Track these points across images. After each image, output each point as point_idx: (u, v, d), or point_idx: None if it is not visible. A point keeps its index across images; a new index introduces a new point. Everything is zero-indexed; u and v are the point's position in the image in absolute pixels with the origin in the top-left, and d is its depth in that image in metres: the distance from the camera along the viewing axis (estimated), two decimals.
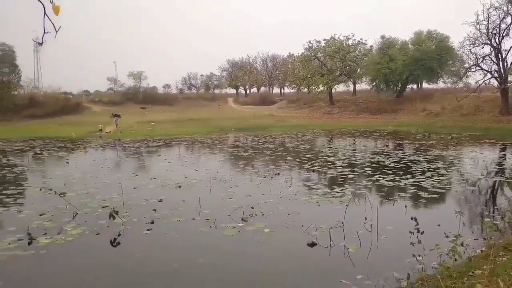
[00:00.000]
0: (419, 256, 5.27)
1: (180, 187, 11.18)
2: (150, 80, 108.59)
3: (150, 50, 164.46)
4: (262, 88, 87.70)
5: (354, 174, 12.49)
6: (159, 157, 18.09)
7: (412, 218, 7.06)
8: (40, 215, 8.48)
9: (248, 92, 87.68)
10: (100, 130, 31.29)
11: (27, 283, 5.64)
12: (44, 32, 3.47)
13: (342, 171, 12.98)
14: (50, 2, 3.25)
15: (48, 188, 11.15)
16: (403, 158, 15.54)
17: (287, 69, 75.12)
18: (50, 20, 3.40)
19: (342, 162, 14.82)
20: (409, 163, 14.22)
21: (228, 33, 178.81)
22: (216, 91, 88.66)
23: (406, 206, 8.54)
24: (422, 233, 5.26)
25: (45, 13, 3.32)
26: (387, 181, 11.27)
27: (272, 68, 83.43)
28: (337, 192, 10.06)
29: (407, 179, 11.46)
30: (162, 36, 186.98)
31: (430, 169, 12.90)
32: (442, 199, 9.71)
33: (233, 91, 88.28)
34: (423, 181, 11.13)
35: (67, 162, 16.98)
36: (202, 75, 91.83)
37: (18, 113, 43.51)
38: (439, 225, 5.97)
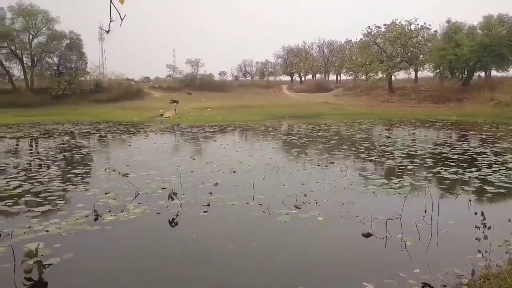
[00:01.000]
0: (486, 252, 4.97)
1: (234, 172, 11.37)
2: (206, 67, 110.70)
3: (207, 37, 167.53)
4: (318, 75, 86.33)
5: (413, 165, 11.99)
6: (215, 142, 18.48)
7: (476, 213, 6.69)
8: (105, 193, 9.02)
9: (303, 79, 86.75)
10: (161, 115, 32.55)
11: (94, 256, 6.04)
12: (111, 20, 3.62)
13: (401, 162, 12.51)
14: None
15: (112, 169, 11.81)
16: (468, 150, 14.67)
17: (344, 56, 73.23)
18: (116, 9, 3.54)
19: (401, 153, 14.28)
20: (475, 155, 13.41)
21: (283, 20, 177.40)
22: (271, 78, 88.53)
23: (470, 201, 8.09)
24: (489, 228, 4.94)
25: (111, 1, 3.46)
26: (450, 173, 10.71)
27: (329, 55, 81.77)
28: (395, 183, 9.72)
29: (471, 172, 10.82)
30: (219, 24, 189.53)
31: (498, 163, 12.07)
32: (510, 195, 9.06)
33: (288, 78, 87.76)
34: (490, 174, 10.45)
35: (129, 145, 17.85)
36: (257, 62, 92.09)
37: (85, 98, 46.30)
38: (509, 220, 5.54)
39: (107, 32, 3.77)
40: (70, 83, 47.19)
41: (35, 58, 48.69)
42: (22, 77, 49.90)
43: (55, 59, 50.57)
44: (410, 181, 9.93)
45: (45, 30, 48.62)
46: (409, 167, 11.77)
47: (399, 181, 9.96)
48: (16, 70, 50.20)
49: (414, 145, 16.60)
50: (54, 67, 50.43)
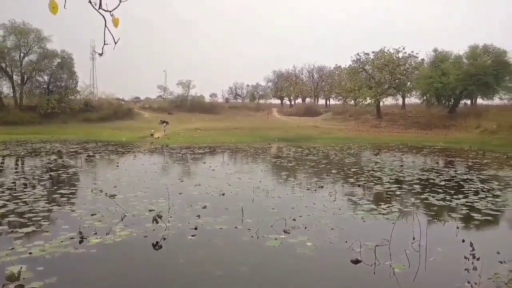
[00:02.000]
0: (475, 283, 4.97)
1: (223, 194, 11.30)
2: (197, 89, 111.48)
3: (198, 60, 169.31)
4: (307, 99, 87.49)
5: (401, 191, 12.07)
6: (204, 164, 18.42)
7: (463, 241, 6.75)
8: (92, 215, 8.87)
9: (293, 102, 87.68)
10: (152, 135, 32.49)
11: (77, 280, 5.88)
12: (104, 43, 3.65)
13: (389, 187, 12.59)
14: (111, 15, 3.43)
15: (99, 190, 11.66)
16: (455, 176, 14.84)
17: (333, 81, 74.62)
18: (110, 32, 3.57)
19: (389, 178, 14.38)
20: (461, 182, 13.56)
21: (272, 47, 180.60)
22: (261, 101, 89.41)
23: (457, 228, 8.14)
24: (478, 259, 4.97)
25: (105, 25, 3.49)
26: (437, 200, 10.79)
27: (318, 80, 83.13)
28: (384, 209, 9.75)
29: (458, 198, 10.93)
30: (211, 48, 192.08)
31: (484, 190, 12.22)
32: (497, 222, 9.15)
33: (278, 101, 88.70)
34: (476, 201, 10.56)
35: (117, 166, 17.67)
36: (248, 85, 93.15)
37: (74, 117, 46.13)
38: (498, 253, 5.55)
39: (101, 55, 3.79)
40: (60, 102, 47.06)
41: (25, 76, 48.55)
42: (11, 94, 49.56)
43: (46, 77, 50.51)
44: (398, 207, 9.97)
45: (36, 49, 48.70)
46: (397, 192, 11.84)
47: (388, 206, 10.00)
48: (5, 88, 49.93)
49: (402, 170, 16.74)
50: (44, 86, 50.28)
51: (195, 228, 8.01)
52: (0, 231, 7.82)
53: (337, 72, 74.09)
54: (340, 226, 8.26)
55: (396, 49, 48.98)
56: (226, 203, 10.24)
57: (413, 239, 7.11)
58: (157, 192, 11.47)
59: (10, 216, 8.83)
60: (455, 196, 11.21)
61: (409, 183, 13.38)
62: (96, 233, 7.58)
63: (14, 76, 48.54)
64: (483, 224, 8.76)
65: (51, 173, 15.04)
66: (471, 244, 5.19)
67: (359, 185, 13.00)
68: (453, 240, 7.55)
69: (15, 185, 12.51)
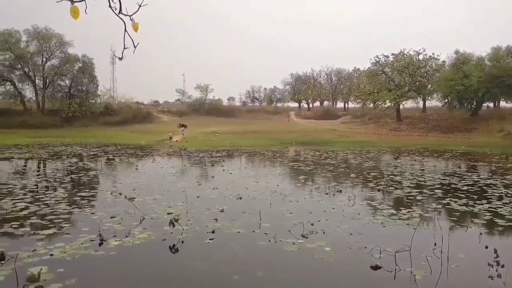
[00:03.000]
0: None
1: (241, 198, 11.28)
2: (215, 93, 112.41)
3: (217, 64, 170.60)
4: (325, 102, 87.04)
5: (422, 196, 11.82)
6: (222, 167, 18.46)
7: (487, 247, 6.56)
8: (111, 217, 8.97)
9: (310, 106, 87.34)
10: (170, 138, 32.86)
11: (96, 282, 5.95)
12: (124, 48, 3.68)
13: (410, 192, 12.35)
14: (130, 20, 3.47)
15: (119, 193, 11.80)
16: (478, 181, 14.47)
17: (352, 84, 74.10)
18: (130, 36, 3.60)
19: (410, 183, 14.12)
20: (484, 187, 13.21)
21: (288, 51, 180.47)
22: (279, 104, 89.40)
23: (481, 234, 7.91)
24: (502, 266, 4.81)
25: (125, 29, 3.53)
26: (459, 205, 10.53)
27: (337, 82, 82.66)
28: (404, 214, 9.56)
29: (482, 204, 10.64)
30: (229, 51, 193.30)
31: (508, 195, 11.87)
32: None
33: (295, 104, 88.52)
34: (500, 207, 10.26)
35: (136, 169, 17.87)
36: (265, 89, 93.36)
37: (95, 120, 47.03)
38: None
39: (121, 59, 3.82)
40: (81, 106, 48.11)
41: (47, 80, 49.76)
42: (34, 98, 50.85)
43: (67, 81, 51.69)
44: (419, 212, 9.77)
45: (58, 53, 49.95)
46: (418, 197, 11.61)
47: (408, 211, 9.81)
48: (28, 92, 51.35)
49: (422, 175, 16.42)
50: (66, 90, 51.43)
51: (213, 232, 8.01)
52: (23, 233, 7.97)
53: (355, 75, 73.55)
54: (359, 231, 8.13)
55: (416, 51, 48.36)
56: (243, 206, 10.22)
57: (435, 245, 6.94)
58: (175, 195, 11.54)
59: (32, 218, 9.01)
60: (478, 202, 10.92)
61: (430, 188, 13.11)
62: (115, 236, 7.65)
63: (36, 80, 49.90)
64: (507, 230, 8.51)
65: (72, 176, 15.32)
66: (495, 251, 5.02)
67: (378, 190, 12.80)
68: (476, 247, 7.34)
69: (37, 188, 12.79)
